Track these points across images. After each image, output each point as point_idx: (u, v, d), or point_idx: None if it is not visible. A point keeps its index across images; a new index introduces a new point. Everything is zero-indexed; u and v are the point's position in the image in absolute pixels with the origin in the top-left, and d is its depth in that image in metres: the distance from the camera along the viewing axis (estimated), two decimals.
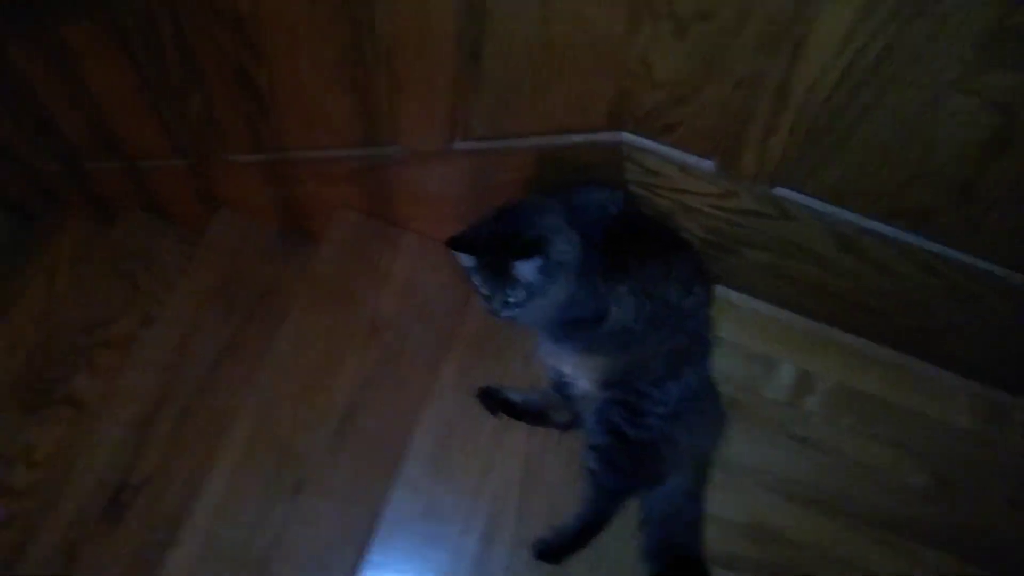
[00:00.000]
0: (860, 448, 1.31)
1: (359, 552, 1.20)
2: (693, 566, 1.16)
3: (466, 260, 1.10)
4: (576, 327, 1.16)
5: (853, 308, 1.29)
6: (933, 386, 1.35)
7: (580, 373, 1.22)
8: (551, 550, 1.17)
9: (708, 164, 1.11)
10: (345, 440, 1.31)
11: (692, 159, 1.11)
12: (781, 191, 1.10)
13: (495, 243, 1.08)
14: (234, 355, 1.59)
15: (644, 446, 1.14)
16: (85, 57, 1.41)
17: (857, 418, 1.33)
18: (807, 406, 1.34)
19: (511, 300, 1.09)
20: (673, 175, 1.14)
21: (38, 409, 1.71)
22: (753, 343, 1.36)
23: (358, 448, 1.31)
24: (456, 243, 1.09)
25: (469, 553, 1.20)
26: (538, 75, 1.05)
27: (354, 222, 1.50)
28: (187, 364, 1.59)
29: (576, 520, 1.17)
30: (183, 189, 1.71)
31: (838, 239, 1.13)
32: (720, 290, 1.35)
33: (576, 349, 1.20)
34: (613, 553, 1.18)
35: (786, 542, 1.25)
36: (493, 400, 1.28)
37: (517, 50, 1.02)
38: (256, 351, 1.46)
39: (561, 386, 1.25)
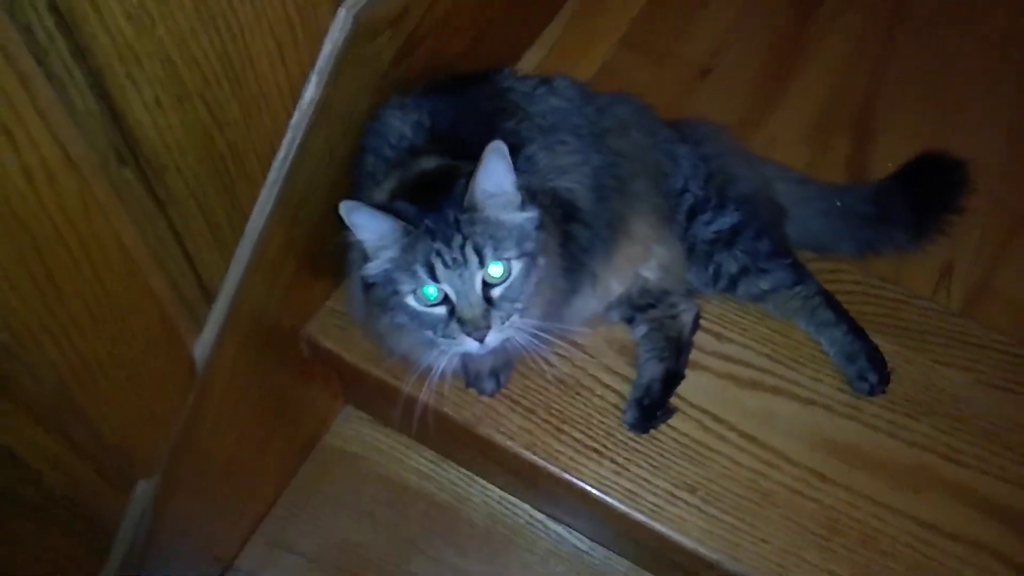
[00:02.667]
0: None
1: None
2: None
3: (388, 245, 0.80)
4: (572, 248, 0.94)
5: None
6: None
7: (655, 264, 1.05)
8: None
9: None
10: None
11: None
12: None
13: (428, 192, 0.82)
14: None
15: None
16: None
17: None
18: None
19: (500, 294, 0.81)
20: None
21: None
22: None
23: None
24: (353, 210, 0.77)
25: None
26: None
27: None
28: None
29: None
30: None
31: None
32: None
33: (594, 271, 0.99)
34: None
35: None
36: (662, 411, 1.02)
37: None
38: None
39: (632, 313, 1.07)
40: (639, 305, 1.06)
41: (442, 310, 0.81)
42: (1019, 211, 1.26)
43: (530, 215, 0.83)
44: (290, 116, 0.82)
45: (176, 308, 0.79)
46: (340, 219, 0.77)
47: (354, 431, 1.29)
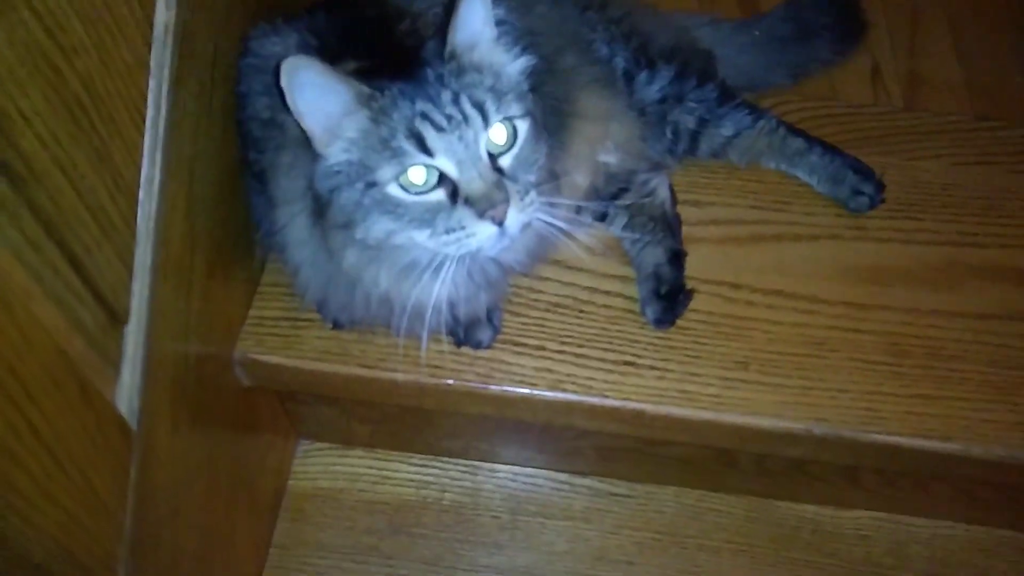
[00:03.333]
0: None
1: None
2: None
3: (347, 124, 0.62)
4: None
5: None
6: None
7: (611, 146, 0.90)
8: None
9: None
10: None
11: None
12: None
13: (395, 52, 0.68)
14: None
15: None
16: None
17: None
18: None
19: (511, 163, 0.64)
20: None
21: None
22: None
23: None
24: (298, 70, 0.57)
25: None
26: None
27: None
28: None
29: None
30: None
31: None
32: None
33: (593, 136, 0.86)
34: None
35: None
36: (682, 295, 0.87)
37: None
38: None
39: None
40: (608, 195, 0.92)
41: (440, 194, 0.62)
42: None
43: (525, 61, 0.68)
44: (149, 46, 0.60)
45: (77, 342, 0.56)
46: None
47: (318, 466, 1.07)
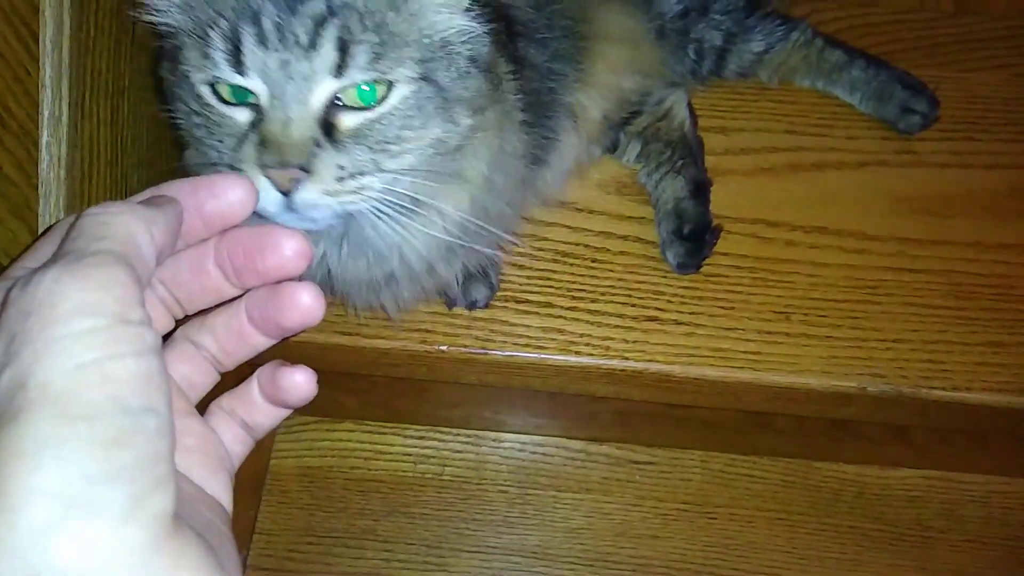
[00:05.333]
0: None
1: None
2: None
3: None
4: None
5: None
6: None
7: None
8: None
9: None
10: None
11: None
12: None
13: None
14: None
15: None
16: None
17: None
18: None
19: (356, 127, 0.45)
20: None
21: None
22: None
23: None
24: None
25: None
26: None
27: None
28: None
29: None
30: None
31: None
32: None
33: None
34: None
35: None
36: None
37: None
38: None
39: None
40: (619, 121, 0.79)
41: (243, 115, 0.45)
42: None
43: (474, 27, 0.49)
44: None
45: None
46: None
47: (303, 442, 0.96)
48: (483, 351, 0.71)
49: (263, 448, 0.94)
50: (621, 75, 0.74)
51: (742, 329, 0.73)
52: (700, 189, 0.76)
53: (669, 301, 0.74)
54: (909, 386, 0.71)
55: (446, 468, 0.95)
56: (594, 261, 0.76)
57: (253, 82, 0.44)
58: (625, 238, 0.77)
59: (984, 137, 0.84)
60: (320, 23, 0.43)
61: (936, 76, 0.86)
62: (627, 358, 0.71)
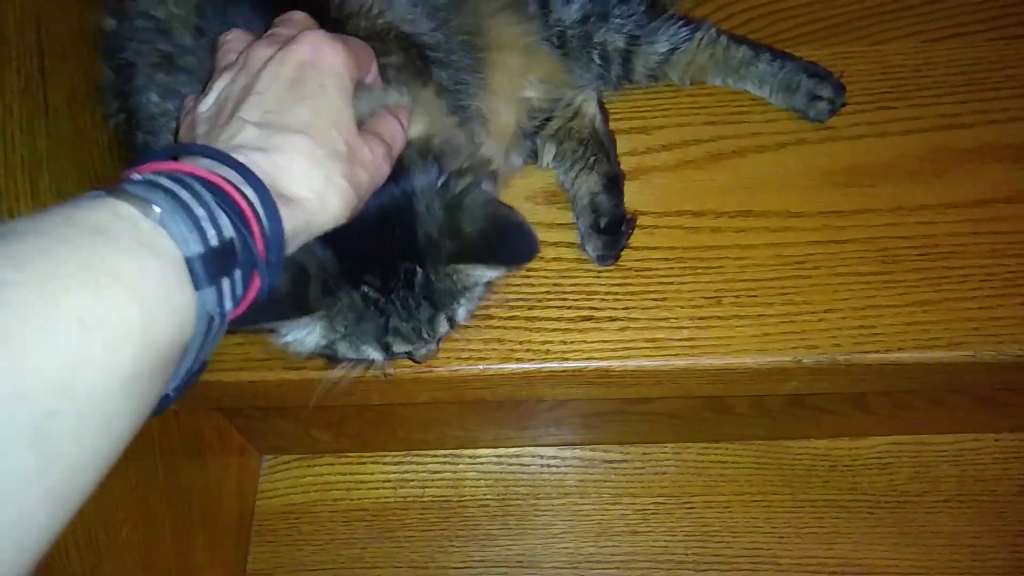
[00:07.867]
0: None
1: None
2: None
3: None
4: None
5: None
6: None
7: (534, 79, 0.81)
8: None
9: None
10: None
11: None
12: None
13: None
14: None
15: None
16: None
17: None
18: None
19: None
20: None
21: None
22: None
23: None
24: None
25: None
26: None
27: None
28: None
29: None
30: None
31: None
32: None
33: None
34: None
35: None
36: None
37: None
38: None
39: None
40: (533, 129, 0.82)
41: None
42: None
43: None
44: None
45: None
46: None
47: (286, 480, 0.99)
48: (428, 369, 0.74)
49: (248, 491, 0.97)
50: (518, 81, 0.78)
51: (675, 318, 0.75)
52: (613, 183, 0.79)
53: (603, 299, 0.76)
54: (843, 353, 0.73)
55: (426, 490, 0.97)
56: (528, 270, 0.78)
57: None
58: (556, 245, 0.80)
59: (899, 104, 0.86)
60: (436, 321, 0.63)
61: (848, 52, 0.89)
62: (566, 359, 0.74)
